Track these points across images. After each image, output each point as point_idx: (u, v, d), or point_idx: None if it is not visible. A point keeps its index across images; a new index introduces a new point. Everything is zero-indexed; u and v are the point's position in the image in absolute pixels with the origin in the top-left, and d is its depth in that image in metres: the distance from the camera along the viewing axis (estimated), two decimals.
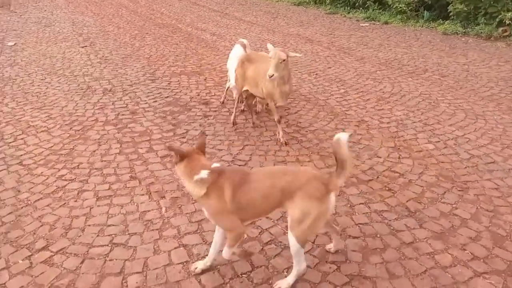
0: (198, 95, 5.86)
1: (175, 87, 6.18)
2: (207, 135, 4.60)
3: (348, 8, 12.77)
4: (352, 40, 9.27)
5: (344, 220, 3.15)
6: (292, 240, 2.35)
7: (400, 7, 11.03)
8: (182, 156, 2.41)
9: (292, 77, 4.50)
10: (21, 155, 4.18)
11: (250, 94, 4.66)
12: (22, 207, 3.34)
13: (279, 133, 4.43)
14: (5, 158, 4.12)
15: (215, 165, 2.46)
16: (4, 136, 4.58)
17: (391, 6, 11.38)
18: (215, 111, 5.30)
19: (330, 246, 2.84)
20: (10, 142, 4.44)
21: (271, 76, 3.86)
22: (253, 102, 4.96)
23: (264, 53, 4.69)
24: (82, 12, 12.96)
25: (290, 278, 2.50)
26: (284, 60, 3.89)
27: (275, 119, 4.40)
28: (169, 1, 15.33)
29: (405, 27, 10.60)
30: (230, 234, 2.43)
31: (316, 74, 6.76)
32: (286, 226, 3.06)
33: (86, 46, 8.71)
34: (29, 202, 3.41)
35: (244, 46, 5.43)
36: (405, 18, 11.09)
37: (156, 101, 5.62)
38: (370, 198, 3.44)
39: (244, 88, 4.59)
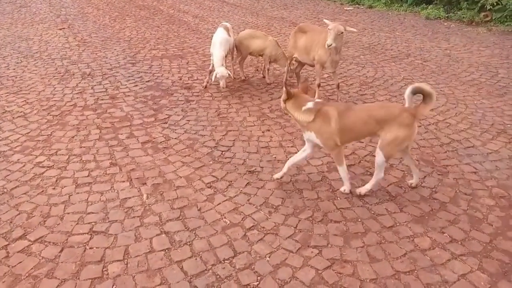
0: (180, 79, 5.76)
1: (157, 71, 6.06)
2: (189, 120, 4.54)
3: None
4: None
5: (326, 205, 3.17)
6: (380, 155, 3.08)
7: None
8: (290, 95, 3.19)
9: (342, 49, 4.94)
10: None
11: (299, 63, 5.26)
12: None
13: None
14: None
15: (318, 100, 3.30)
16: None
17: None
18: (198, 95, 5.22)
19: (412, 181, 3.38)
20: None
21: (330, 46, 4.31)
22: (299, 71, 5.49)
23: (316, 26, 5.23)
24: None
25: (369, 185, 3.23)
26: (342, 33, 4.32)
27: (316, 83, 4.96)
28: None
29: (389, 11, 10.59)
30: (333, 153, 3.23)
31: None
32: (269, 212, 3.08)
33: (64, 28, 8.44)
34: (5, 190, 3.32)
35: (227, 30, 5.34)
36: (389, 2, 11.08)
37: (136, 85, 5.50)
38: (352, 182, 3.45)
39: (294, 56, 5.14)
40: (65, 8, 10.44)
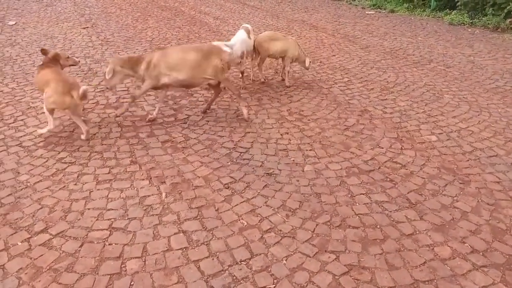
0: None
1: None
2: (208, 121, 4.57)
3: None
4: (357, 28, 9.16)
5: (344, 210, 3.14)
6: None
7: None
8: (44, 53, 4.37)
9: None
10: (21, 136, 4.15)
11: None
12: (21, 189, 3.33)
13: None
14: (5, 139, 4.09)
15: (48, 63, 4.23)
16: (4, 117, 4.55)
17: None
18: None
19: (83, 136, 4.09)
20: (10, 123, 4.41)
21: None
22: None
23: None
24: None
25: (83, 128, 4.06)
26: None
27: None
28: None
29: (412, 16, 10.46)
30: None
31: (320, 62, 6.69)
32: (287, 215, 3.07)
33: (87, 28, 8.61)
34: (28, 184, 3.40)
35: (248, 31, 5.35)
36: (412, 7, 10.95)
37: None
38: (371, 188, 3.42)
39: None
40: (89, 8, 10.65)
